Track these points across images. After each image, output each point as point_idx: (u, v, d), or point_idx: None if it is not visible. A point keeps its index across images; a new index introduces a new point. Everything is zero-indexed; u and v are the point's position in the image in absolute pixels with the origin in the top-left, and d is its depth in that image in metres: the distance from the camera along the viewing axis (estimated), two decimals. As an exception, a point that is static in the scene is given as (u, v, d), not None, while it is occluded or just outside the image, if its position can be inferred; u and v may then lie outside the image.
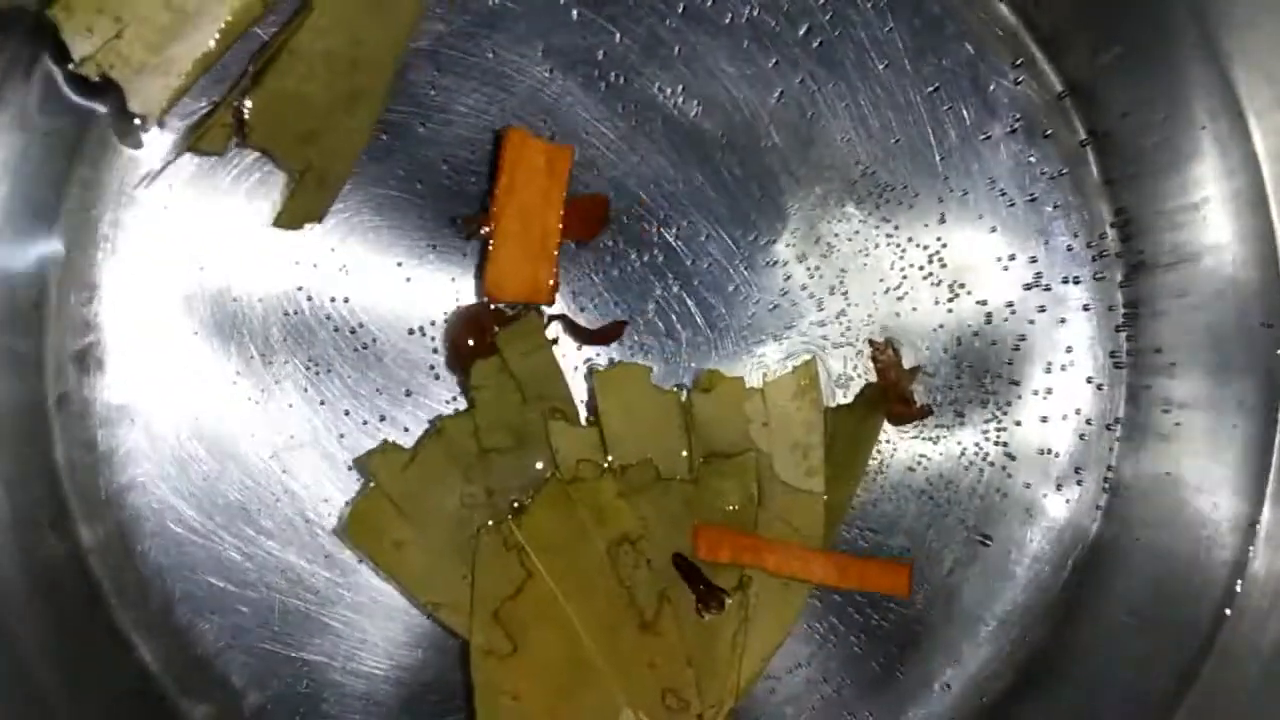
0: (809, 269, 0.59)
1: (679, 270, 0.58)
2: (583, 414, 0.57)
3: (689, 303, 0.58)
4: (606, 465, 0.55)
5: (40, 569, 0.54)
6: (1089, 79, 0.59)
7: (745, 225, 0.58)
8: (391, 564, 0.55)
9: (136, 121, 0.53)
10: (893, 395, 0.58)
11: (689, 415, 0.56)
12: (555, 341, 0.57)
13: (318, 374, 0.56)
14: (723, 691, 0.56)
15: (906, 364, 0.59)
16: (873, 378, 0.59)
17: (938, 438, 0.60)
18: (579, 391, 0.57)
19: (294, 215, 0.55)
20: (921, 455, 0.60)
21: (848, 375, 0.59)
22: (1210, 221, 0.58)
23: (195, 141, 0.53)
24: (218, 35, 0.52)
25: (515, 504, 0.55)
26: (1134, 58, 0.58)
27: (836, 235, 0.59)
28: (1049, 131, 0.60)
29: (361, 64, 0.53)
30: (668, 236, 0.58)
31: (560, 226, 0.55)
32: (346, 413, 0.56)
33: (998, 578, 0.60)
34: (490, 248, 0.54)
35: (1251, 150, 0.56)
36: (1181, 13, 0.56)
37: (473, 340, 0.55)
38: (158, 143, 0.55)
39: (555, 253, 0.55)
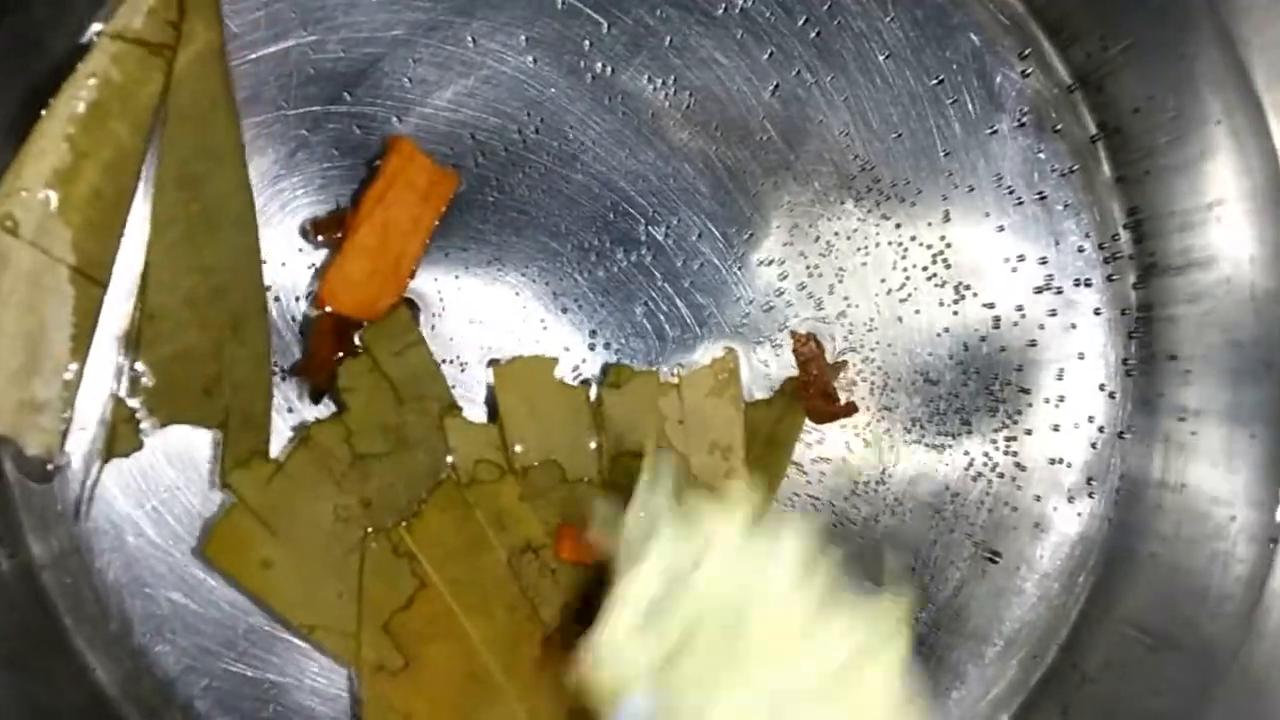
0: (806, 268, 0.57)
1: (668, 269, 0.56)
2: (483, 411, 0.55)
3: (678, 303, 0.56)
4: (508, 466, 0.54)
5: (-11, 587, 0.52)
6: (1099, 71, 0.58)
7: (739, 222, 0.57)
8: (259, 585, 0.53)
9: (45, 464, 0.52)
10: (814, 390, 0.56)
11: (599, 413, 0.55)
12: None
13: (285, 379, 0.54)
14: (636, 712, 0.55)
15: (832, 357, 0.57)
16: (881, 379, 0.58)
17: (943, 447, 0.58)
18: (481, 386, 0.55)
19: (237, 464, 0.53)
20: (926, 466, 0.58)
21: (850, 379, 0.57)
22: (1226, 222, 0.56)
23: (108, 450, 0.52)
24: (73, 341, 0.51)
25: (398, 511, 0.53)
26: (1146, 49, 0.57)
27: (835, 234, 0.57)
28: (1058, 126, 0.58)
29: (225, 288, 0.52)
30: (656, 234, 0.56)
31: (420, 255, 0.53)
32: (317, 420, 0.54)
33: (1006, 595, 0.59)
34: (340, 252, 0.53)
35: (1270, 146, 0.55)
36: (1195, 0, 0.55)
37: (336, 345, 0.53)
38: (71, 467, 0.53)
39: (407, 280, 0.53)
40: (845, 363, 0.57)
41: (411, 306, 0.54)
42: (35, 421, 0.50)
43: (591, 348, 0.56)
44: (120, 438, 0.52)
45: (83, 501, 0.53)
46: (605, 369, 0.56)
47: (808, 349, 0.57)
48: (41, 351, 0.50)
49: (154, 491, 0.54)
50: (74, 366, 0.51)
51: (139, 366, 0.52)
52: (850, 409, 0.57)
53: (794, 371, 0.57)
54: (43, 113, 0.49)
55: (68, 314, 0.50)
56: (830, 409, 0.57)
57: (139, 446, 0.52)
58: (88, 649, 0.54)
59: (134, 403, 0.52)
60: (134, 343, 0.52)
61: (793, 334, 0.57)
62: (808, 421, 0.57)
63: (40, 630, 0.53)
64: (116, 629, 0.54)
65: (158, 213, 0.51)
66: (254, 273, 0.53)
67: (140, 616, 0.54)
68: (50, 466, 0.52)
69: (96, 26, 0.51)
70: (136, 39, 0.50)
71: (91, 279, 0.50)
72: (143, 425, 0.52)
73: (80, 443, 0.52)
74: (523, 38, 0.55)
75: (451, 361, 0.55)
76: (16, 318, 0.49)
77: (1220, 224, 0.56)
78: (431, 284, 0.55)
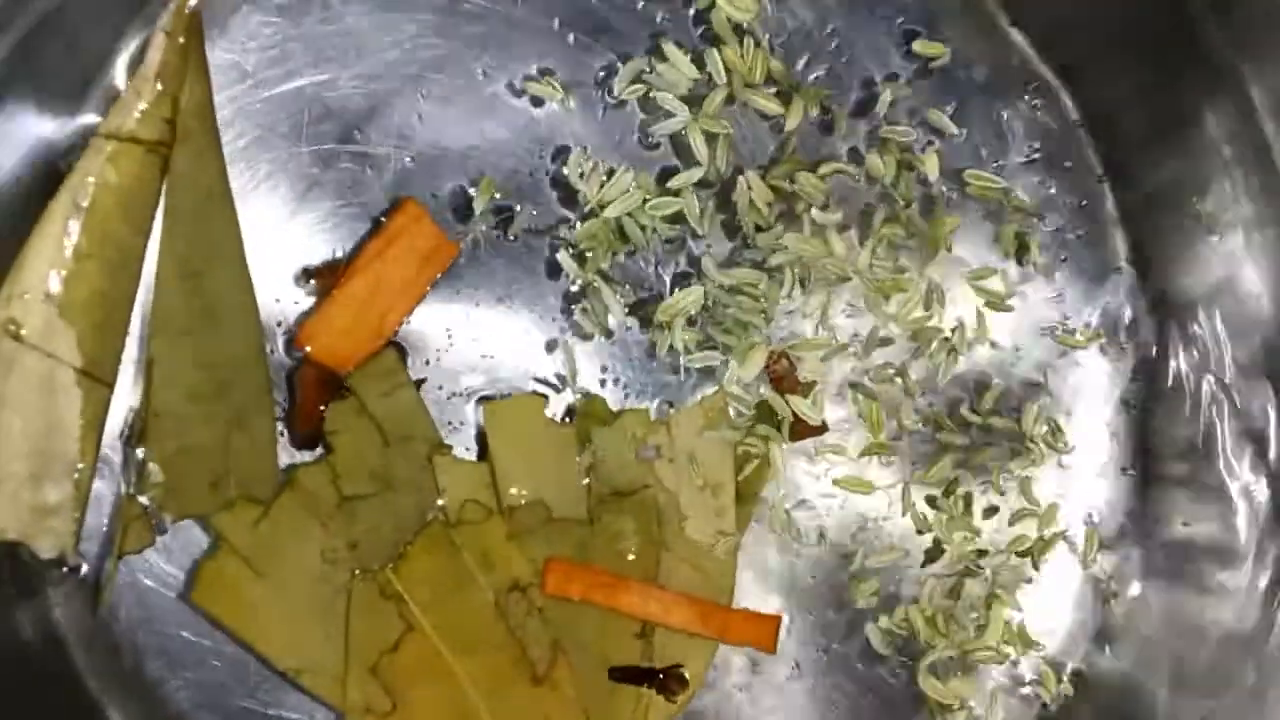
0: (820, 305, 0.57)
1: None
2: (472, 450, 0.55)
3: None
4: (497, 505, 0.54)
5: (-2, 625, 0.52)
6: (1106, 109, 0.58)
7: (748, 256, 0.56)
8: (245, 628, 0.52)
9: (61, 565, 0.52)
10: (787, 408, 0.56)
11: (588, 451, 0.55)
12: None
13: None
14: (625, 751, 0.55)
15: (802, 378, 0.56)
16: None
17: (945, 488, 0.58)
18: (470, 425, 0.55)
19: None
20: (928, 507, 0.58)
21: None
22: (1232, 258, 0.57)
23: (121, 548, 0.52)
24: (81, 442, 0.50)
25: (385, 553, 0.53)
26: (1152, 87, 0.57)
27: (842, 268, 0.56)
28: (1066, 163, 0.59)
29: (228, 383, 0.52)
30: (665, 274, 0.56)
31: (404, 318, 0.54)
32: (303, 463, 0.54)
33: (1013, 627, 0.58)
34: (327, 299, 0.53)
35: (1274, 183, 0.55)
36: (1200, 39, 0.55)
37: (321, 396, 0.53)
38: (85, 565, 0.53)
39: (386, 338, 0.54)
40: (815, 383, 0.56)
41: (399, 350, 0.54)
42: (48, 525, 0.50)
43: (602, 384, 0.56)
44: (132, 534, 0.52)
45: (100, 597, 0.52)
46: (582, 399, 0.55)
47: (781, 366, 0.56)
48: (51, 454, 0.49)
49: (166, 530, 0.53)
50: (83, 466, 0.50)
51: (147, 463, 0.51)
52: (821, 429, 0.56)
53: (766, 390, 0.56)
54: (41, 215, 0.49)
55: (75, 415, 0.50)
56: (802, 429, 0.56)
57: (151, 542, 0.52)
58: (99, 687, 0.53)
59: (144, 499, 0.52)
60: (141, 439, 0.51)
61: (771, 352, 0.56)
62: (814, 457, 0.57)
63: (52, 667, 0.53)
64: (129, 666, 0.53)
65: (160, 309, 0.51)
66: (257, 365, 0.52)
67: (152, 653, 0.53)
68: (65, 569, 0.52)
69: (91, 118, 0.51)
70: (131, 138, 0.50)
71: (98, 379, 0.50)
72: (154, 521, 0.52)
73: (93, 541, 0.52)
74: (534, 70, 0.55)
75: (459, 394, 0.55)
76: (25, 422, 0.49)
77: (1226, 260, 0.57)
78: (440, 321, 0.55)
